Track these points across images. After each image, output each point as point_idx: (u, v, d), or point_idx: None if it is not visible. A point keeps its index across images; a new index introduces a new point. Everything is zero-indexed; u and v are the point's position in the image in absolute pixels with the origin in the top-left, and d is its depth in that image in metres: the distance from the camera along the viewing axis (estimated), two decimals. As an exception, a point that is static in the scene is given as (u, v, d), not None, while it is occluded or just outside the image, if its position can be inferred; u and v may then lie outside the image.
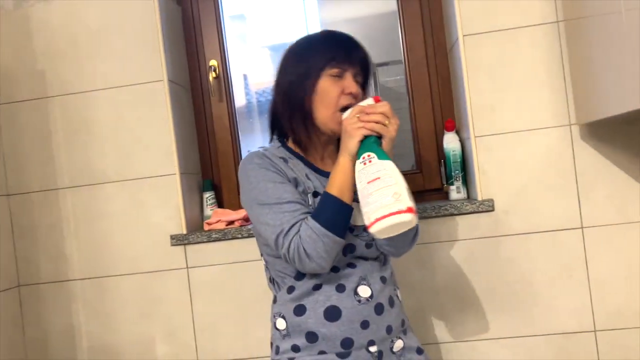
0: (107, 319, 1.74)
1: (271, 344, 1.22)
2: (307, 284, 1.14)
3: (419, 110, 1.81)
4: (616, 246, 1.54)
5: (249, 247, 1.67)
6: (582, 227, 1.55)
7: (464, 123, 1.65)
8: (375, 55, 2.34)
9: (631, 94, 1.17)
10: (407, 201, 0.98)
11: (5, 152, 1.77)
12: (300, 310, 1.14)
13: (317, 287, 1.14)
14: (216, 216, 1.74)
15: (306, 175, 1.17)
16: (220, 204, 1.87)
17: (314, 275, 1.14)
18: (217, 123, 1.89)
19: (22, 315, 1.77)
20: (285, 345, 1.16)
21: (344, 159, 1.08)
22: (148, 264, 1.72)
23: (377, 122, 1.06)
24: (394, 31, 1.87)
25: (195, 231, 1.71)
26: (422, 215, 1.58)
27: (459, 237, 1.60)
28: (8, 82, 1.75)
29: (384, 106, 1.07)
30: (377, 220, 0.98)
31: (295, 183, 1.14)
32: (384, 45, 2.27)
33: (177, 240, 1.68)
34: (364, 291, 1.14)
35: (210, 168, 1.89)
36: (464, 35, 1.58)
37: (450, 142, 1.69)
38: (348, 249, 1.14)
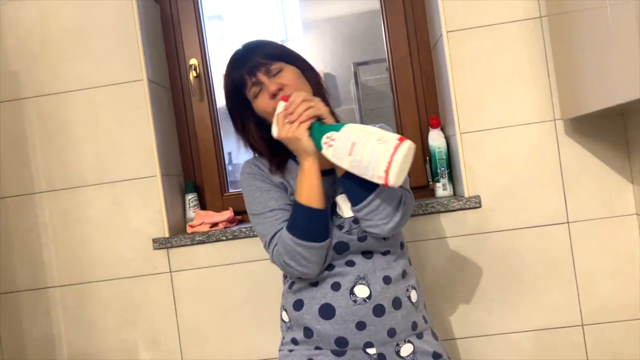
0: (88, 326, 1.69)
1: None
2: (305, 280, 1.15)
3: (404, 108, 1.79)
4: (602, 240, 1.55)
5: (233, 250, 1.64)
6: (568, 222, 1.56)
7: (449, 120, 1.64)
8: (355, 54, 2.33)
9: (614, 88, 1.18)
10: (393, 136, 0.97)
11: (-23, 156, 1.71)
12: (298, 305, 1.15)
13: (314, 284, 1.14)
14: (199, 218, 1.70)
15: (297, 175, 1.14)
16: (203, 205, 1.84)
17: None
18: (198, 123, 1.85)
19: (-1, 325, 1.71)
20: (288, 337, 1.18)
21: (306, 163, 1.06)
22: (130, 269, 1.67)
23: (306, 110, 1.03)
24: (374, 30, 1.86)
25: (178, 234, 1.67)
26: (409, 213, 1.56)
27: (446, 235, 1.59)
28: (-21, 83, 1.69)
29: (299, 96, 1.04)
30: (386, 171, 0.95)
31: (284, 187, 1.14)
32: (364, 44, 2.27)
33: (160, 243, 1.64)
34: (362, 291, 1.11)
35: (192, 169, 1.85)
36: (447, 32, 1.57)
37: (436, 139, 1.68)
38: (341, 248, 1.12)
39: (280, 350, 1.20)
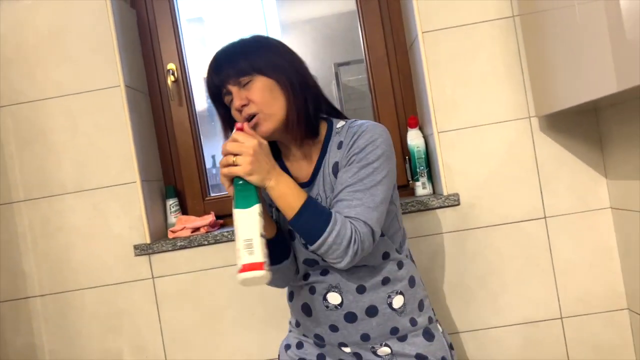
0: (71, 335, 1.67)
1: None
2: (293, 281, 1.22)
3: (382, 108, 1.81)
4: (578, 234, 1.58)
5: (215, 254, 1.64)
6: (545, 217, 1.59)
7: (426, 119, 1.66)
8: (336, 54, 2.34)
9: (586, 85, 1.20)
10: (241, 259, 0.94)
11: (-47, 167, 1.68)
12: (291, 296, 1.24)
13: (299, 284, 1.20)
14: (180, 223, 1.70)
15: None
16: (184, 210, 1.83)
17: (296, 276, 1.20)
18: (177, 128, 1.85)
19: (-21, 337, 1.69)
20: (290, 319, 1.29)
21: None
22: (112, 276, 1.66)
23: (225, 166, 1.00)
24: (354, 30, 1.87)
25: (160, 240, 1.67)
26: (390, 212, 1.58)
27: (427, 233, 1.61)
28: (-47, 92, 1.67)
29: (227, 145, 1.00)
30: (239, 271, 0.94)
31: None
32: (345, 44, 2.27)
33: (141, 250, 1.63)
34: (334, 298, 1.13)
35: (172, 174, 1.85)
36: (422, 32, 1.59)
37: (414, 138, 1.70)
38: (311, 263, 1.14)
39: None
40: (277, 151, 1.19)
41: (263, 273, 0.93)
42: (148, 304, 1.66)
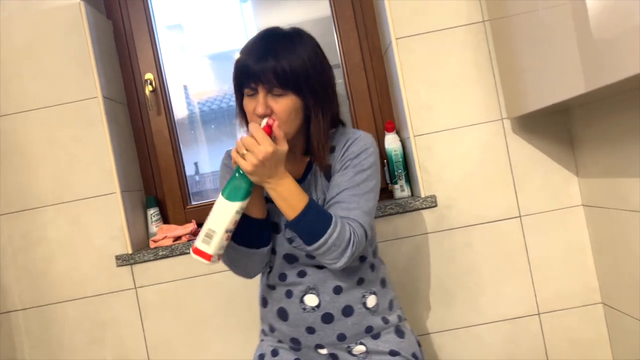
0: (54, 349, 1.67)
1: None
2: (267, 281, 1.22)
3: (360, 113, 1.84)
4: (552, 231, 1.62)
5: (198, 262, 1.63)
6: (520, 216, 1.63)
7: (402, 123, 1.69)
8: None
9: (554, 87, 1.24)
10: (197, 241, 1.06)
11: None
12: (264, 302, 1.24)
13: (272, 287, 1.20)
14: (162, 233, 1.70)
15: None
16: (165, 219, 1.84)
17: (268, 276, 1.21)
18: (157, 137, 1.85)
19: (-40, 353, 1.68)
20: (261, 327, 1.29)
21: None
22: (94, 288, 1.66)
23: (236, 152, 1.02)
24: (330, 36, 1.90)
25: (141, 250, 1.67)
26: (369, 216, 1.60)
27: (406, 234, 1.64)
28: None
29: (246, 137, 1.01)
30: (192, 248, 1.07)
31: None
32: (323, 49, 2.29)
33: (123, 260, 1.63)
34: (311, 300, 1.15)
35: (153, 183, 1.85)
36: (396, 39, 1.62)
37: (392, 142, 1.73)
38: (290, 259, 1.16)
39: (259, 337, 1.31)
40: None
41: (207, 263, 1.06)
42: (131, 315, 1.66)
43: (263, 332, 1.27)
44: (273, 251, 1.17)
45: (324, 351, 1.17)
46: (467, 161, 1.63)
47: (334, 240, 1.04)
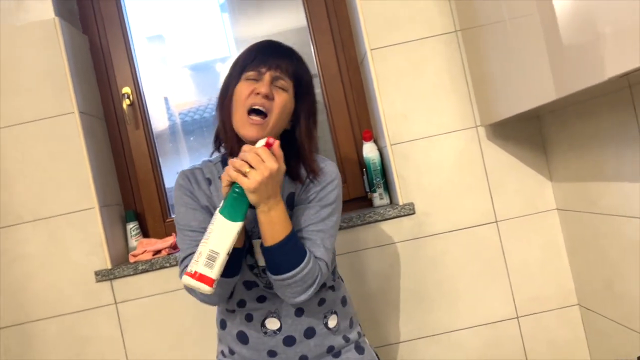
0: (33, 366, 1.65)
1: None
2: (226, 304, 1.18)
3: (338, 123, 1.86)
4: (528, 235, 1.65)
5: (178, 276, 1.64)
6: (496, 221, 1.65)
7: (380, 132, 1.71)
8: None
9: (525, 94, 1.27)
10: (197, 265, 0.94)
11: None
12: (222, 324, 1.22)
13: (232, 311, 1.18)
14: (142, 247, 1.70)
15: None
16: (145, 233, 1.83)
17: (227, 300, 1.17)
18: (135, 151, 1.85)
19: (-63, 375, 1.65)
20: (219, 348, 1.25)
21: None
22: (73, 304, 1.65)
23: (236, 170, 0.97)
24: (308, 46, 1.92)
25: (121, 264, 1.66)
26: (349, 224, 1.62)
27: (385, 242, 1.66)
28: None
29: (248, 153, 0.97)
30: (187, 273, 0.95)
31: (208, 210, 1.14)
32: (301, 59, 2.31)
33: (102, 275, 1.62)
34: (272, 324, 1.15)
35: (132, 197, 1.85)
36: (371, 49, 1.64)
37: (369, 151, 1.75)
38: (250, 285, 1.15)
39: (216, 358, 1.27)
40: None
41: (209, 289, 0.94)
42: (112, 330, 1.65)
43: (222, 353, 1.23)
44: None
45: None
46: (444, 168, 1.65)
47: (303, 276, 1.02)
